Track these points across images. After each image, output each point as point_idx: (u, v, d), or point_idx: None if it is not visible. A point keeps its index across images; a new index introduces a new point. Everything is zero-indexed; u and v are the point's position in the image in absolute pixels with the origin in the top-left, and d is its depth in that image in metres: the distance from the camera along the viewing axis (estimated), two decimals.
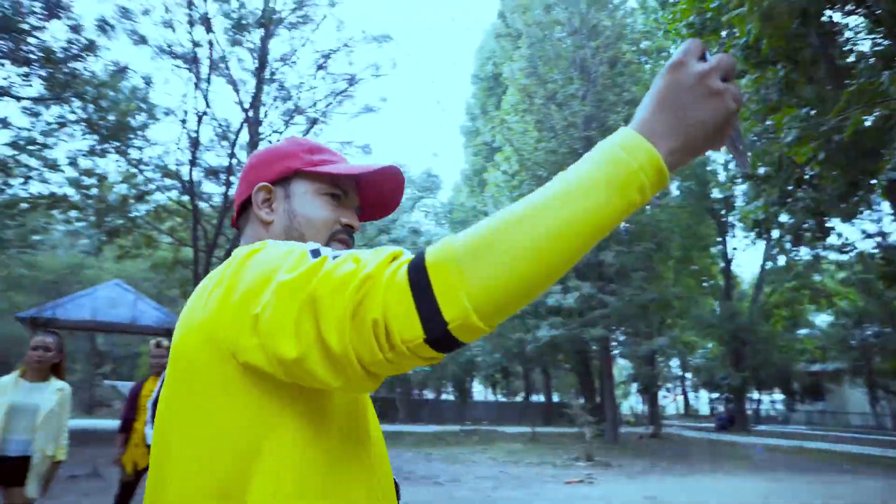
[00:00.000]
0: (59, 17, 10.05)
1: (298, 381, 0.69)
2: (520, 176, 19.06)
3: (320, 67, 13.17)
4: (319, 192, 0.97)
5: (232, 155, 12.14)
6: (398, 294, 0.61)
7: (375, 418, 0.91)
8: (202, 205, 12.10)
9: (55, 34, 10.59)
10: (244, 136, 12.86)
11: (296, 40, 12.90)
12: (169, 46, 11.23)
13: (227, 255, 13.40)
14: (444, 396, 37.84)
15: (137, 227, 11.84)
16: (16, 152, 10.87)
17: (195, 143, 11.16)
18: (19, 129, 10.89)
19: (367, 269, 0.63)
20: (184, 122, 11.43)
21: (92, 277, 18.23)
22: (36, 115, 11.00)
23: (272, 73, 12.80)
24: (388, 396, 28.98)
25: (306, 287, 0.64)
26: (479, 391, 47.29)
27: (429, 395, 38.27)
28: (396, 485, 0.92)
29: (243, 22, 11.73)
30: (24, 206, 11.49)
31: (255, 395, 0.72)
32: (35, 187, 11.16)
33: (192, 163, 11.20)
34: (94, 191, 11.29)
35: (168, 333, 14.63)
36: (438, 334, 0.61)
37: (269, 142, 12.83)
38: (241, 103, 12.31)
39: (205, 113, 11.86)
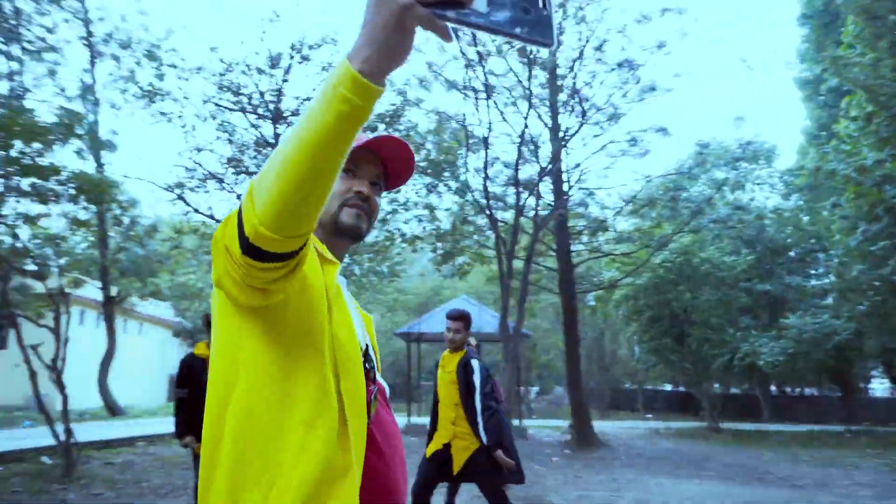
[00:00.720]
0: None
1: (231, 300, 0.97)
2: (877, 119, 15.52)
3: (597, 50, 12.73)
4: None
5: (542, 168, 12.76)
6: (232, 222, 0.87)
7: (350, 331, 1.07)
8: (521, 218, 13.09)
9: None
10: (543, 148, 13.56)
11: (581, 35, 12.74)
12: (467, 82, 12.53)
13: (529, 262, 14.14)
14: (822, 392, 32.33)
15: (468, 248, 13.56)
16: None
17: (487, 164, 12.24)
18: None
19: (231, 210, 0.90)
20: (486, 144, 12.39)
21: (448, 296, 21.54)
22: None
23: (562, 79, 13.12)
24: (750, 393, 26.22)
25: (217, 234, 0.92)
26: (880, 386, 39.03)
27: (803, 391, 33.21)
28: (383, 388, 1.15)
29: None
30: (387, 244, 14.27)
31: (233, 317, 1.01)
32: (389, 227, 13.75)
33: (486, 178, 12.07)
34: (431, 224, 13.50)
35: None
36: (245, 247, 0.83)
37: (567, 149, 13.22)
38: (539, 116, 13.01)
39: (521, 135, 12.27)
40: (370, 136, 1.20)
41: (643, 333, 19.21)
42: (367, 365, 1.10)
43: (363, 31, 0.73)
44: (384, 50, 0.73)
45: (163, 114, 11.76)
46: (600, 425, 18.36)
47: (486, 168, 9.00)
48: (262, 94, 10.53)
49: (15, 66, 13.43)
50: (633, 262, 15.67)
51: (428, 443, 4.09)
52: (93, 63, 15.76)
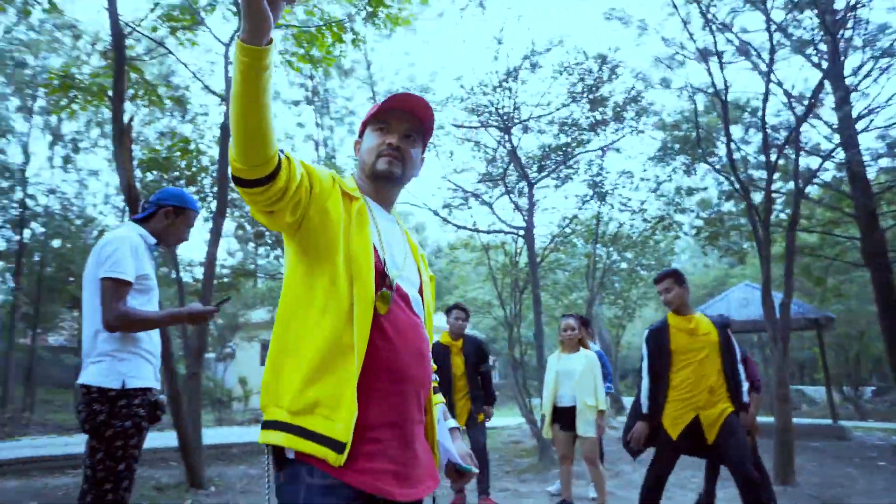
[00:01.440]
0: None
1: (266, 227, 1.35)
2: None
3: None
4: (372, 129, 1.47)
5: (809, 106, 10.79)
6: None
7: (365, 248, 1.34)
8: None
9: None
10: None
11: None
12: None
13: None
14: None
15: (738, 227, 12.15)
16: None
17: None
18: None
19: None
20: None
21: (734, 283, 19.71)
22: None
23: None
24: None
25: None
26: None
27: None
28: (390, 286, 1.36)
29: None
30: (647, 233, 13.63)
31: (286, 245, 1.37)
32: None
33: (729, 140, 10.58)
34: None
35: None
36: (233, 179, 1.16)
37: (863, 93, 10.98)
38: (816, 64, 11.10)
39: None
40: (396, 95, 1.40)
41: None
42: (386, 273, 1.36)
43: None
44: (249, 21, 1.02)
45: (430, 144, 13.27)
46: None
47: (726, 126, 8.01)
48: (496, 108, 11.07)
49: (326, 133, 16.54)
50: None
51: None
52: None
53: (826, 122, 11.39)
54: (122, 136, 5.07)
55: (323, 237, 1.30)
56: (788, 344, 6.71)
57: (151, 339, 2.47)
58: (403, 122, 1.45)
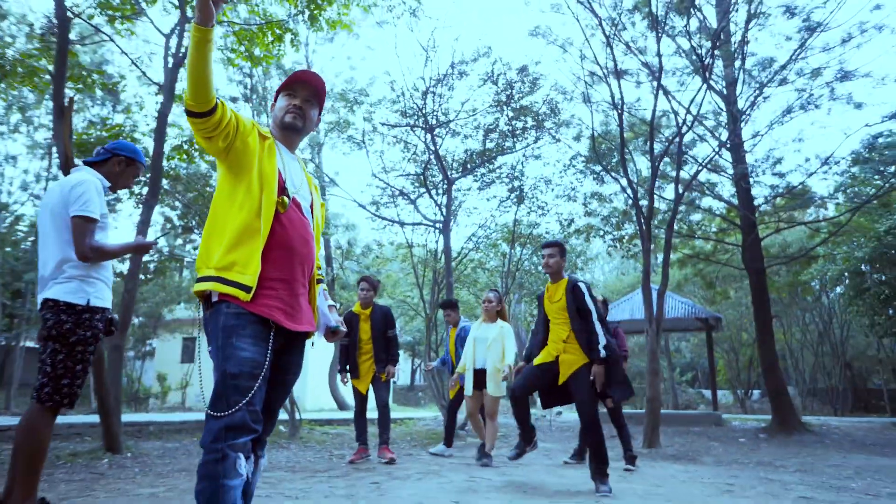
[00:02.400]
0: None
1: (207, 152, 1.98)
2: None
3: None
4: (283, 95, 2.18)
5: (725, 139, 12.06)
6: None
7: (272, 168, 2.01)
8: None
9: None
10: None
11: None
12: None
13: None
14: None
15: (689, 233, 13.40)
16: None
17: None
18: None
19: None
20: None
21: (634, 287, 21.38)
22: None
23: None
24: None
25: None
26: None
27: None
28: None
29: None
30: (564, 234, 14.71)
31: (219, 166, 2.01)
32: None
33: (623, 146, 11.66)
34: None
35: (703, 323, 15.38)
36: (186, 112, 1.81)
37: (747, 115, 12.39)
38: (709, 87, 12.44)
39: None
40: (300, 71, 2.09)
41: (874, 316, 16.61)
42: (284, 190, 2.03)
43: None
44: (201, 11, 1.70)
45: (358, 143, 13.83)
46: (826, 419, 16.37)
47: (621, 136, 9.05)
48: (422, 111, 11.79)
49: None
50: (846, 232, 13.91)
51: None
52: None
53: (718, 139, 12.75)
54: (62, 112, 5.48)
55: (244, 158, 1.96)
56: (661, 326, 7.78)
57: (108, 269, 3.05)
58: (305, 91, 2.14)
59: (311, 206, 2.17)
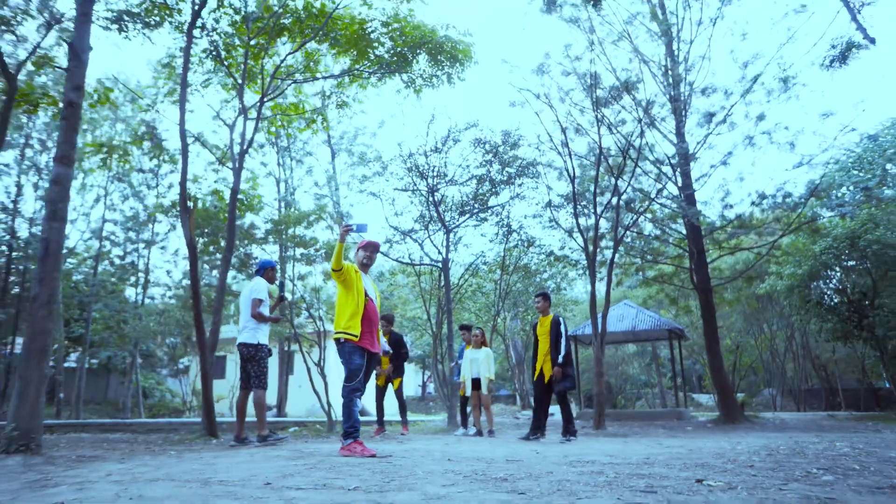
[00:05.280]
0: None
1: (337, 281, 4.96)
2: None
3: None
4: (362, 249, 5.19)
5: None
6: (331, 264, 4.80)
7: (360, 284, 4.97)
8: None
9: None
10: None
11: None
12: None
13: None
14: None
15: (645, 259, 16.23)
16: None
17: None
18: None
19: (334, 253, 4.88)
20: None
21: (614, 302, 23.98)
22: None
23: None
24: None
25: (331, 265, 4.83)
26: None
27: None
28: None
29: None
30: (537, 263, 17.46)
31: (338, 284, 4.97)
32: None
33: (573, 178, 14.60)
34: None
35: (669, 333, 18.01)
36: (332, 271, 6.72)
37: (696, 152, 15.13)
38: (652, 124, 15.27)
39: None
40: (373, 242, 4.99)
41: (820, 322, 19.08)
42: (367, 294, 4.93)
43: None
44: (340, 238, 4.57)
45: (372, 194, 16.70)
46: (781, 414, 18.86)
47: (573, 189, 11.82)
48: (422, 173, 14.66)
49: (287, 173, 19.67)
50: (788, 252, 16.48)
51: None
52: (333, 157, 21.67)
53: (673, 181, 15.44)
54: (187, 210, 8.36)
55: (350, 282, 4.94)
56: (605, 338, 10.52)
57: (267, 324, 5.97)
58: (371, 251, 5.06)
59: (375, 297, 5.01)
